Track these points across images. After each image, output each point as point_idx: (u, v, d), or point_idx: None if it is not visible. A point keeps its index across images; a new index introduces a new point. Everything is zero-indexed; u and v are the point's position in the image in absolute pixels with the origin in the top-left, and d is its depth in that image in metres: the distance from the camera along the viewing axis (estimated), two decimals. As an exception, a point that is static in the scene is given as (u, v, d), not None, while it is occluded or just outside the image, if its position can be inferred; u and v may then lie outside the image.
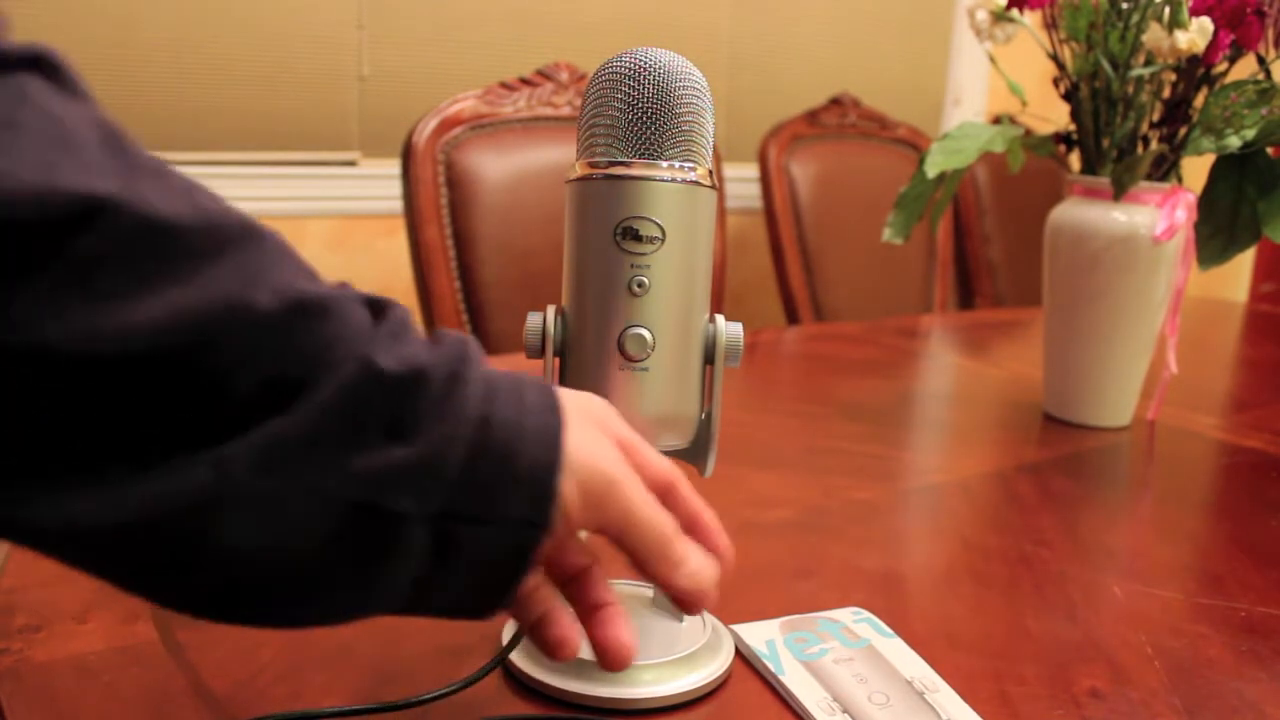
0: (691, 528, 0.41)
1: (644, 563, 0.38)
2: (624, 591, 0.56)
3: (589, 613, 0.39)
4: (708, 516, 0.41)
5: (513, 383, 0.34)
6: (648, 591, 0.55)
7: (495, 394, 0.33)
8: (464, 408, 0.32)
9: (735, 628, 0.54)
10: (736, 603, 0.58)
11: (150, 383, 0.28)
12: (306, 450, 0.29)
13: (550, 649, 0.39)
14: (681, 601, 0.39)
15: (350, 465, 0.30)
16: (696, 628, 0.52)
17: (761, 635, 0.53)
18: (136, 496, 0.28)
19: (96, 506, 0.28)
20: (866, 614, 0.56)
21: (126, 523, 0.28)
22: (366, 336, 0.31)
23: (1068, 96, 0.97)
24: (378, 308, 0.33)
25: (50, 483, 0.28)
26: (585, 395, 0.39)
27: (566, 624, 0.39)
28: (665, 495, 0.40)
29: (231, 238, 0.30)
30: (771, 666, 0.50)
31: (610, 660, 0.39)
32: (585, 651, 0.48)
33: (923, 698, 0.49)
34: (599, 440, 0.36)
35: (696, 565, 0.39)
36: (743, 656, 0.52)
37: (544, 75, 1.50)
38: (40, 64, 0.30)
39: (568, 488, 0.34)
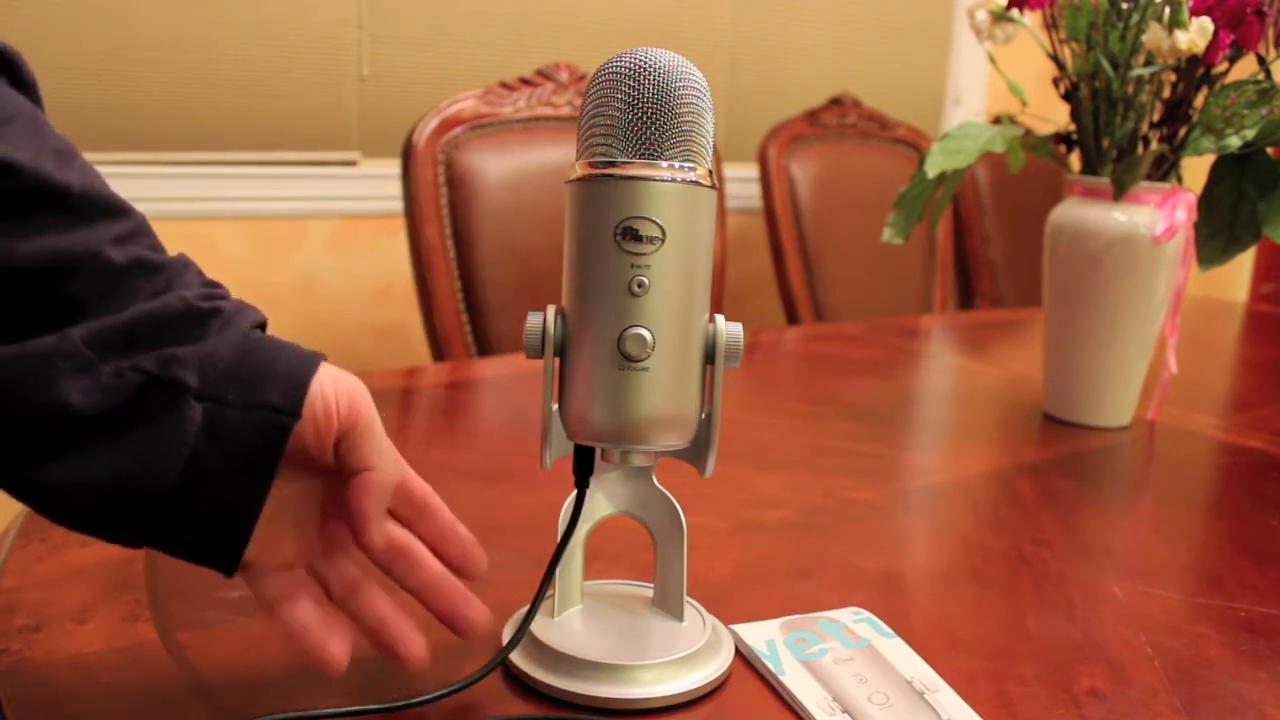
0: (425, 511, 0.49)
1: (361, 491, 0.45)
2: (624, 591, 0.56)
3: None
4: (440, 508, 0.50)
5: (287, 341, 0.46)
6: (647, 591, 0.55)
7: (269, 336, 0.45)
8: (243, 331, 0.44)
9: (735, 628, 0.54)
10: (736, 603, 0.58)
11: (23, 290, 0.40)
12: (125, 337, 0.41)
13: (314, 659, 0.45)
14: (363, 536, 0.46)
15: (152, 352, 0.41)
16: (696, 628, 0.52)
17: (761, 635, 0.53)
18: (3, 352, 0.39)
19: None
20: (866, 614, 0.56)
21: None
22: (186, 285, 0.44)
23: (1068, 96, 0.97)
24: (206, 282, 0.45)
25: None
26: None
27: (316, 631, 0.45)
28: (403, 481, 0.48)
29: (106, 210, 0.42)
30: (771, 666, 0.50)
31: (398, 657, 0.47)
32: (585, 651, 0.48)
33: (923, 698, 0.49)
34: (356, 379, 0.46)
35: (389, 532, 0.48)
36: (743, 657, 0.52)
37: (544, 75, 1.50)
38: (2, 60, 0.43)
39: (321, 390, 0.43)
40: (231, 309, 0.44)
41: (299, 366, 0.43)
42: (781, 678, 0.50)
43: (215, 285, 0.46)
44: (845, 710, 0.47)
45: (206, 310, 0.43)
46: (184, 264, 0.45)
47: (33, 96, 0.44)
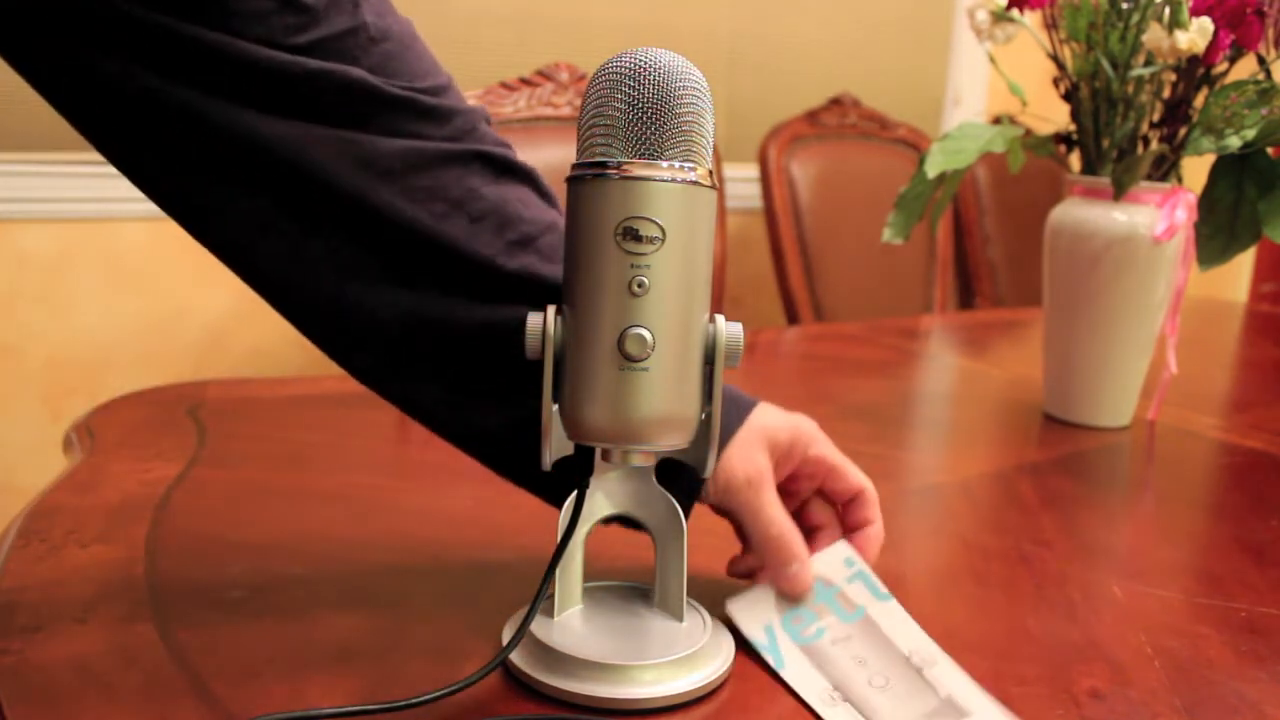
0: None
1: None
2: (624, 591, 0.56)
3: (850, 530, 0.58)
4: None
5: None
6: (647, 591, 0.55)
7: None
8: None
9: (731, 609, 0.54)
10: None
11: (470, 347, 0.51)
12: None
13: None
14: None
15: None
16: (697, 628, 0.52)
17: (759, 620, 0.53)
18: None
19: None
20: (859, 565, 0.56)
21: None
22: None
23: (1068, 96, 0.97)
24: None
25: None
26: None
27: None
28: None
29: (536, 289, 0.50)
30: (771, 660, 0.51)
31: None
32: (585, 651, 0.48)
33: (921, 674, 0.49)
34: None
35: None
36: (740, 644, 0.52)
37: (544, 75, 1.50)
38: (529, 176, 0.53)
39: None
40: None
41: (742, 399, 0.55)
42: (781, 671, 0.50)
43: None
44: (846, 699, 0.47)
45: None
46: None
47: (519, 178, 0.52)
